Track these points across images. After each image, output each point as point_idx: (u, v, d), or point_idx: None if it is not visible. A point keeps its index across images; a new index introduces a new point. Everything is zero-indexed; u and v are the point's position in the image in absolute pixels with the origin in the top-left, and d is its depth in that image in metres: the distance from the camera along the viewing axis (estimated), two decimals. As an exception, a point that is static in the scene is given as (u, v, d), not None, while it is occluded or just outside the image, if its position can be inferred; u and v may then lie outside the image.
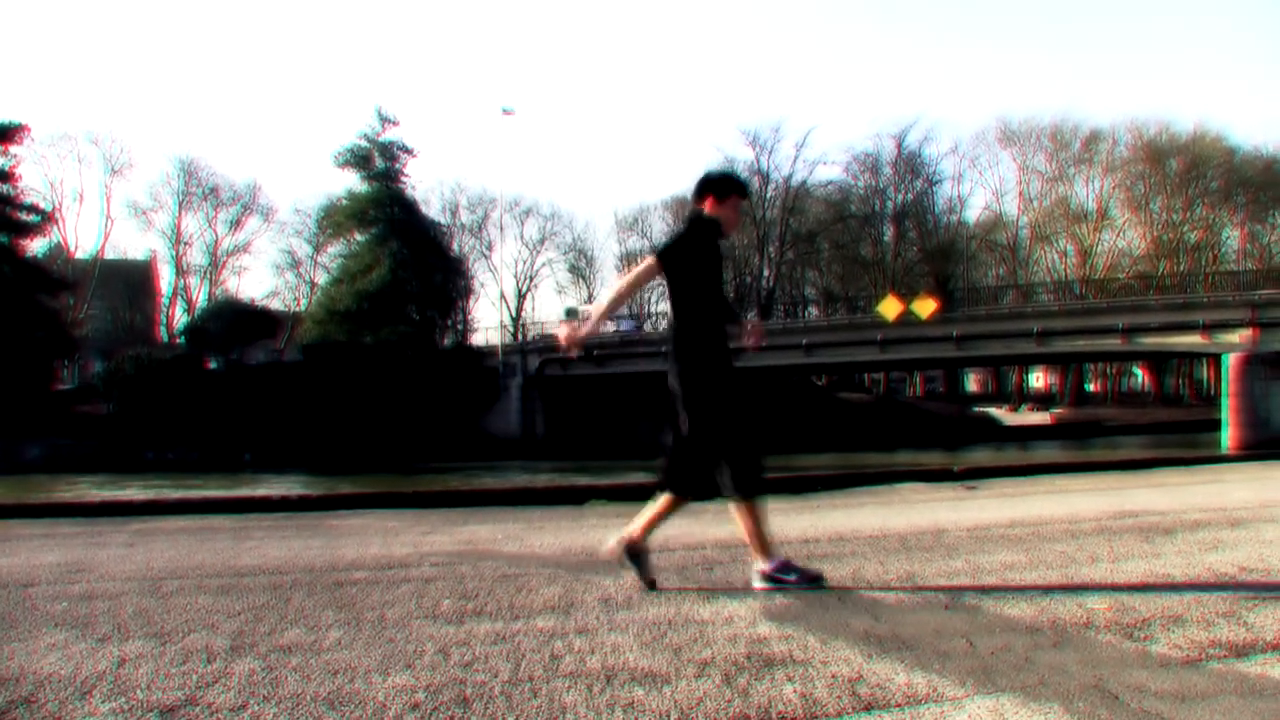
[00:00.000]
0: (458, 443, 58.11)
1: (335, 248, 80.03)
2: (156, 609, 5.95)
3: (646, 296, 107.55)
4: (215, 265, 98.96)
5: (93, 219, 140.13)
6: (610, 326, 68.53)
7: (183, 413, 57.21)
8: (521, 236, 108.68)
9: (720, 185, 6.65)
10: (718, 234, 6.56)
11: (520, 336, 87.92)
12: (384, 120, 71.62)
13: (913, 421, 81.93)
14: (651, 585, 6.35)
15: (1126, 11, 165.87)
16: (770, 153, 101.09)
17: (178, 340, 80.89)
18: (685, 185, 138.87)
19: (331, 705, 3.96)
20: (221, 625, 5.49)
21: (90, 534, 10.01)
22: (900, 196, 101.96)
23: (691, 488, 6.44)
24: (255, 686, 4.23)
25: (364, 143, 71.52)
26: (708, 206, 6.56)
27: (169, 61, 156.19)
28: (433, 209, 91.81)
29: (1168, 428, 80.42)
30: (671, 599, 6.14)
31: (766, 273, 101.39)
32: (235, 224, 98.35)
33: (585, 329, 6.65)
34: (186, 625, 5.49)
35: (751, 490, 6.32)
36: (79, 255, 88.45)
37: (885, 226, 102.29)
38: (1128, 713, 3.82)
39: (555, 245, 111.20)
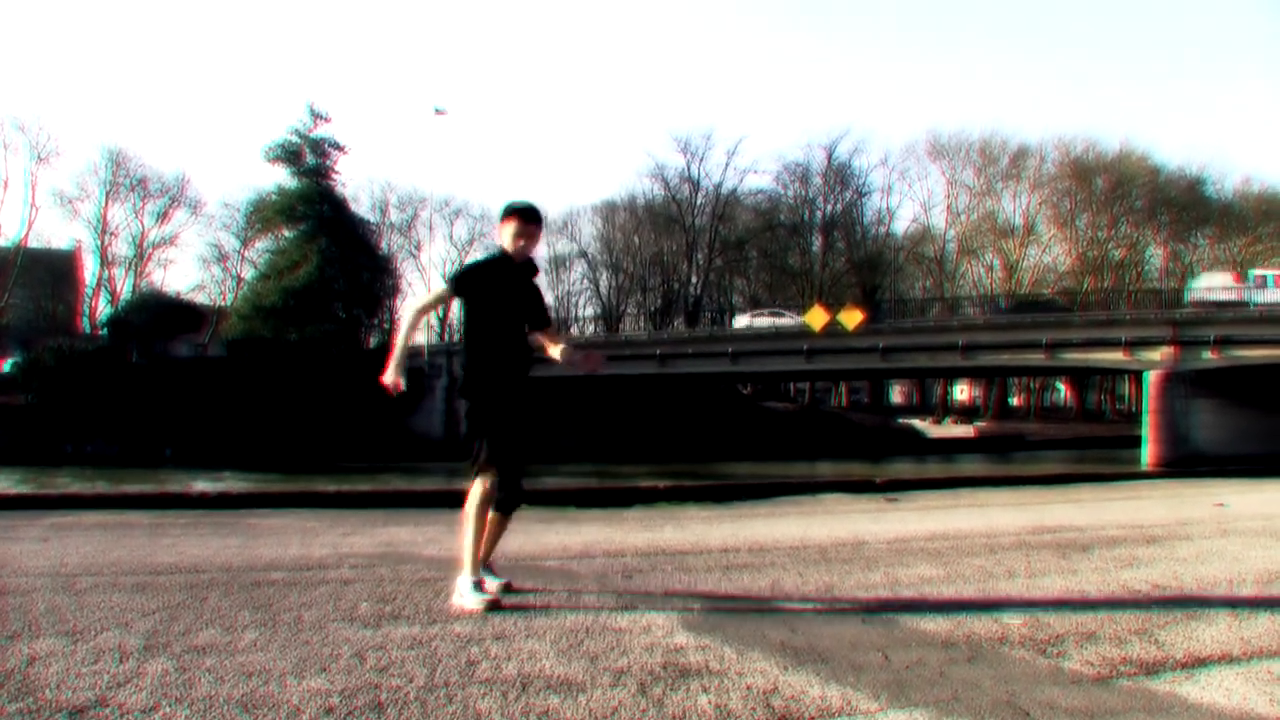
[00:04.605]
0: (382, 442, 57.64)
1: (263, 243, 78.98)
2: (69, 606, 5.88)
3: (574, 300, 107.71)
4: (141, 257, 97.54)
5: (17, 206, 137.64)
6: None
7: (103, 406, 56.37)
8: (451, 236, 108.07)
9: (503, 213, 6.73)
10: (507, 261, 6.61)
11: (446, 337, 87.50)
12: (315, 116, 70.84)
13: (837, 431, 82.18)
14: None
15: (1056, 31, 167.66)
16: (701, 160, 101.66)
17: (100, 332, 79.46)
18: (615, 190, 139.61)
19: (245, 708, 3.94)
20: (135, 624, 5.43)
21: (3, 528, 9.87)
22: (829, 207, 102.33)
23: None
24: (168, 687, 4.19)
25: (295, 138, 70.63)
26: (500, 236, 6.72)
27: (99, 50, 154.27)
28: (362, 207, 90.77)
29: (1089, 443, 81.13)
30: (590, 607, 6.15)
31: (694, 279, 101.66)
32: (162, 216, 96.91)
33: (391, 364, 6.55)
34: (99, 623, 5.43)
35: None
36: (2, 243, 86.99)
37: (814, 236, 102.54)
38: (1037, 729, 3.86)
39: (484, 246, 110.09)
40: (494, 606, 6.04)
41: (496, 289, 6.54)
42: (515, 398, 6.55)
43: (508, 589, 6.52)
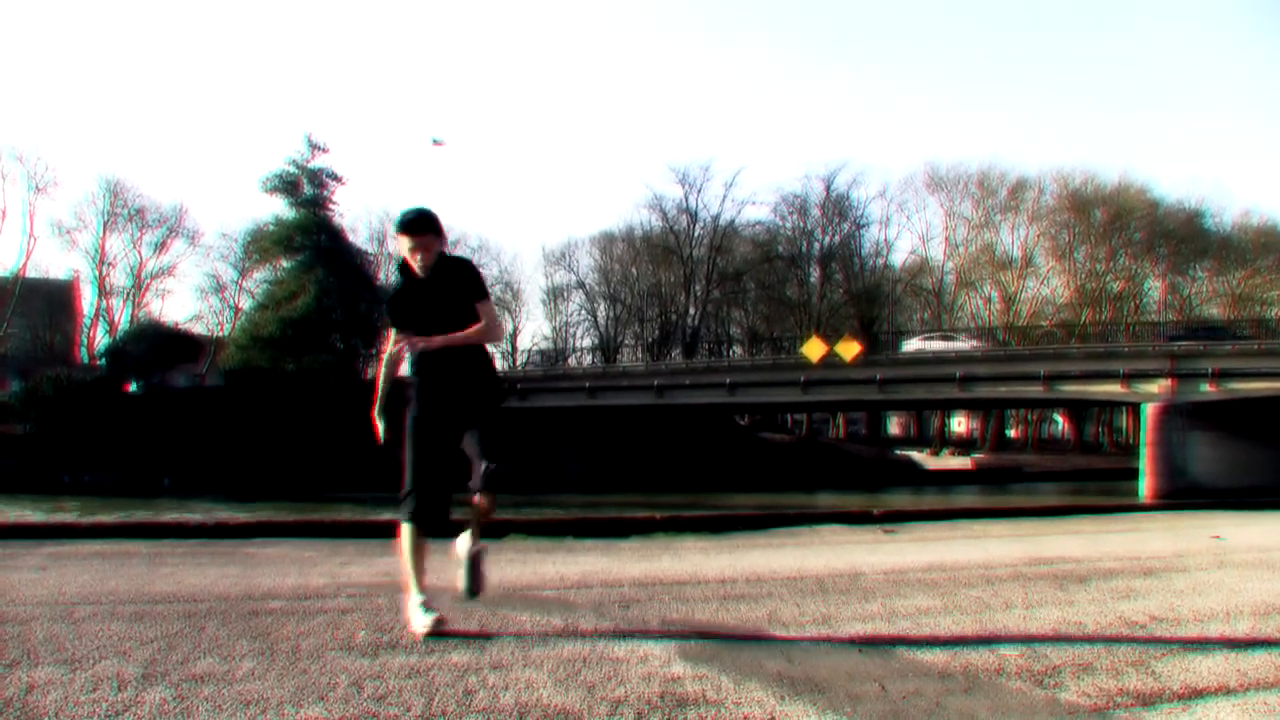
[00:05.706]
0: (379, 473, 57.43)
1: (261, 273, 79.24)
2: (67, 635, 5.88)
3: (572, 331, 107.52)
4: (139, 287, 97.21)
5: (14, 237, 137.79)
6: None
7: (101, 435, 56.45)
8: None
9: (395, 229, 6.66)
10: (410, 278, 6.55)
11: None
12: (314, 147, 71.06)
13: (834, 463, 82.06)
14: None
15: (1055, 63, 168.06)
16: (699, 191, 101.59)
17: (98, 362, 79.36)
18: (613, 221, 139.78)
19: (242, 736, 3.94)
20: (134, 653, 5.43)
21: (1, 557, 9.85)
22: (827, 239, 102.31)
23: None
24: (166, 716, 4.19)
25: (293, 169, 70.82)
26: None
27: (97, 80, 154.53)
28: (360, 237, 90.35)
29: (1087, 475, 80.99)
30: (587, 637, 6.14)
31: (692, 311, 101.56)
32: (160, 246, 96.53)
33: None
34: (98, 652, 5.42)
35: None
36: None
37: (811, 268, 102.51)
38: (1033, 759, 3.87)
39: (483, 277, 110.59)
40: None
41: (407, 310, 6.56)
42: (435, 417, 6.60)
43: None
